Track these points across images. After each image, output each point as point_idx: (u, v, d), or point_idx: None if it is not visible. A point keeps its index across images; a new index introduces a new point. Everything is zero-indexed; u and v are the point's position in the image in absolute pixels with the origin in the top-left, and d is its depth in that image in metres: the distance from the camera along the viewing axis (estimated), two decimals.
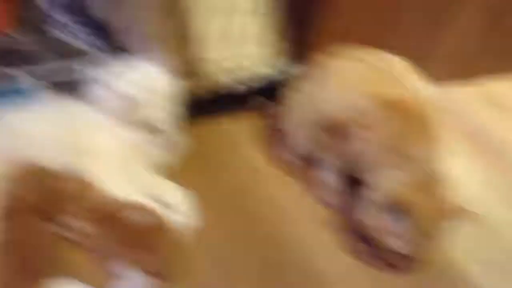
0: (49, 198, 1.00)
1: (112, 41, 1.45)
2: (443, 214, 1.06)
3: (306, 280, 1.09)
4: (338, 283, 1.09)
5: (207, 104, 1.42)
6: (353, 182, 1.21)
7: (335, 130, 1.22)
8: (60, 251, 0.98)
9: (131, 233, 1.00)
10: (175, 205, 1.14)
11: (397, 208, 1.05)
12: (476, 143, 1.59)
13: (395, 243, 1.07)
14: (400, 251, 1.08)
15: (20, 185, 0.97)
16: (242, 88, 1.45)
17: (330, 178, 1.28)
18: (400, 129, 1.13)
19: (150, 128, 1.17)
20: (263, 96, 1.52)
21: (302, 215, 1.23)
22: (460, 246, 1.13)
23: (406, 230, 1.05)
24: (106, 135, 1.13)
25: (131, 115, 1.13)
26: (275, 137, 1.42)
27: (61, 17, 1.47)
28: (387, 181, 1.10)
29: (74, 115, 1.12)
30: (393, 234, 1.07)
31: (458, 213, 1.07)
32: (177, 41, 1.29)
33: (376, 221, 1.09)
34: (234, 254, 1.11)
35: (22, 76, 1.28)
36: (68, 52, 1.39)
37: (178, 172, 1.23)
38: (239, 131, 1.44)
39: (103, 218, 1.02)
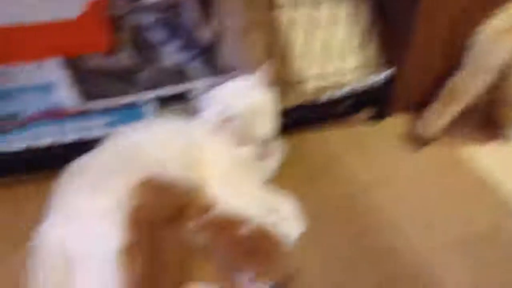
0: (171, 210, 1.08)
1: (215, 60, 1.54)
2: None
3: None
4: None
5: (308, 115, 1.46)
6: None
7: None
8: (188, 260, 1.06)
9: (248, 245, 1.05)
10: (286, 215, 1.18)
11: None
12: None
13: None
14: None
15: (145, 198, 1.06)
16: (343, 99, 1.47)
17: None
18: None
19: (256, 141, 1.23)
20: (363, 104, 1.53)
21: (413, 228, 1.19)
22: None
23: None
24: (218, 151, 1.21)
25: (238, 131, 1.20)
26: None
27: (161, 38, 1.58)
28: None
29: (187, 133, 1.21)
30: None
31: None
32: (279, 56, 1.34)
33: None
34: (341, 260, 1.11)
35: (138, 99, 1.39)
36: (175, 74, 1.50)
37: (281, 181, 1.27)
38: (340, 141, 1.44)
39: (220, 230, 1.08)
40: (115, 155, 1.12)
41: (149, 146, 1.15)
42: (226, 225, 1.09)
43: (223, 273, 1.06)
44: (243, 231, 1.07)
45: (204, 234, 1.09)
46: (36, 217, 1.02)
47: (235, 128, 1.19)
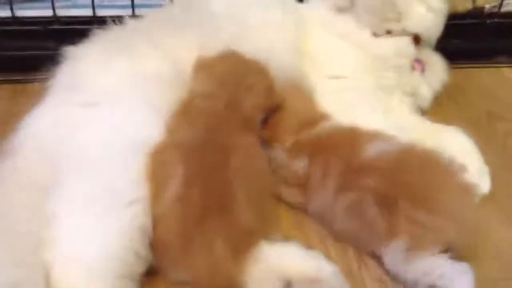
0: (255, 109, 0.68)
1: None
2: None
3: None
4: None
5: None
6: None
7: None
8: (267, 196, 0.64)
9: (393, 185, 0.60)
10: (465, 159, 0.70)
11: None
12: None
13: None
14: None
15: (216, 80, 0.68)
16: None
17: None
18: None
19: (404, 34, 0.79)
20: None
21: None
22: None
23: None
24: (339, 38, 0.80)
25: (374, 9, 0.77)
26: None
27: None
28: None
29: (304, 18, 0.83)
30: None
31: None
32: None
33: None
34: None
35: None
36: None
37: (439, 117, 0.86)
38: None
39: (334, 156, 0.65)
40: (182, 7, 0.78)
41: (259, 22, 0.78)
42: (347, 150, 0.65)
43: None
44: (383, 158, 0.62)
45: (304, 159, 0.67)
46: None
47: (369, 4, 0.76)
